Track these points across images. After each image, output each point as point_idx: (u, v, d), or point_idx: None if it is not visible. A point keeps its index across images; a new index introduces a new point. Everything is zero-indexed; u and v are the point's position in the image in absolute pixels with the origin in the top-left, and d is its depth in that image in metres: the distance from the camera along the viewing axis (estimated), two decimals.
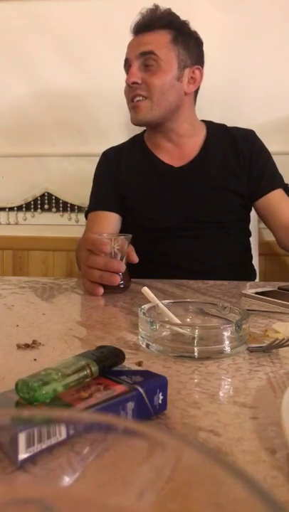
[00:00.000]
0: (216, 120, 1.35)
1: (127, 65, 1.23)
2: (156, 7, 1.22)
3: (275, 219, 1.24)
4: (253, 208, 1.32)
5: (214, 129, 1.31)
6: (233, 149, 1.26)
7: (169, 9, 1.22)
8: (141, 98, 1.19)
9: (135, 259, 0.93)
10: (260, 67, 1.54)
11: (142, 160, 1.30)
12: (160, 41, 1.19)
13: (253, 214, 1.34)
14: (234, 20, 1.53)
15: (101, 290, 0.87)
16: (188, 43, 1.23)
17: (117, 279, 0.86)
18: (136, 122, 1.25)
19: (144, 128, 1.33)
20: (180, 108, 1.24)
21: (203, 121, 1.32)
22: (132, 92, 1.21)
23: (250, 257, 1.36)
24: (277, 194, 1.25)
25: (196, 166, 1.25)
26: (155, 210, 1.24)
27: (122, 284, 0.89)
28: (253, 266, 1.35)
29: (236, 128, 1.31)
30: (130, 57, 1.21)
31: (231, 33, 1.52)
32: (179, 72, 1.21)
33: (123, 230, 1.24)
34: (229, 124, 1.33)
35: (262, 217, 1.30)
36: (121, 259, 0.90)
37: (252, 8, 1.52)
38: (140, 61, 1.19)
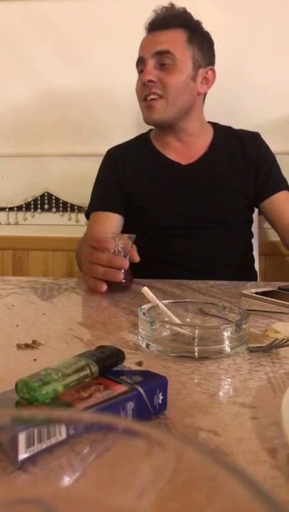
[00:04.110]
0: (217, 120, 1.35)
1: (142, 63, 1.21)
2: (172, 5, 1.22)
3: (280, 220, 1.26)
4: (256, 210, 1.33)
5: (221, 131, 1.32)
6: (241, 151, 1.27)
7: (184, 8, 1.22)
8: (156, 97, 1.18)
9: (136, 258, 0.93)
10: (260, 67, 1.54)
11: (148, 158, 1.30)
12: (176, 40, 1.19)
13: (254, 215, 1.34)
14: (234, 21, 1.53)
15: (104, 286, 0.87)
16: (203, 43, 1.23)
17: (120, 276, 0.86)
18: (151, 122, 1.23)
19: (151, 127, 1.33)
20: (192, 108, 1.24)
21: (209, 122, 1.33)
22: (146, 90, 1.19)
23: (253, 259, 1.36)
24: (283, 195, 1.27)
25: (203, 165, 1.26)
26: (161, 208, 1.24)
27: (123, 283, 0.89)
28: (254, 268, 1.36)
29: (243, 130, 1.32)
30: (145, 55, 1.20)
31: (231, 33, 1.52)
32: (193, 72, 1.21)
33: (128, 229, 1.24)
34: (230, 124, 1.34)
35: (267, 219, 1.31)
36: (126, 258, 0.90)
37: (252, 8, 1.53)
38: (155, 60, 1.18)
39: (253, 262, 1.36)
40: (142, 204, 1.26)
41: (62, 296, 0.89)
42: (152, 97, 1.18)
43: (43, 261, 1.73)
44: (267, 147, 1.30)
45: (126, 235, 0.92)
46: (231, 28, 1.52)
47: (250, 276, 1.30)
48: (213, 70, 1.25)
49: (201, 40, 1.22)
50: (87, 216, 1.32)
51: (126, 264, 0.88)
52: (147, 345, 0.57)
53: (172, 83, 1.18)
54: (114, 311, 0.78)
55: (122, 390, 0.38)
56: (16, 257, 1.75)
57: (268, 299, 0.81)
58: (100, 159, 1.35)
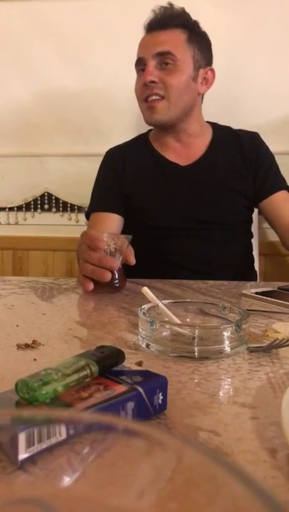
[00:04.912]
0: (216, 120, 1.35)
1: (142, 63, 1.20)
2: (171, 5, 1.22)
3: (279, 220, 1.26)
4: (256, 210, 1.33)
5: (220, 131, 1.32)
6: (240, 151, 1.27)
7: (183, 8, 1.21)
8: (157, 97, 1.18)
9: (132, 260, 0.92)
10: (260, 67, 1.54)
11: (147, 159, 1.30)
12: (176, 40, 1.18)
13: (254, 215, 1.34)
14: (234, 21, 1.53)
15: (91, 285, 0.88)
16: (202, 43, 1.23)
17: (108, 276, 0.86)
18: (153, 122, 1.23)
19: (150, 127, 1.33)
20: (193, 108, 1.24)
21: (208, 122, 1.33)
22: (148, 91, 1.18)
23: (253, 259, 1.36)
24: (282, 195, 1.27)
25: (202, 166, 1.26)
26: (160, 209, 1.24)
27: (116, 283, 0.89)
28: (254, 268, 1.36)
29: (241, 130, 1.32)
30: (145, 56, 1.19)
31: (231, 33, 1.52)
32: (194, 73, 1.20)
33: (128, 230, 1.24)
34: (229, 124, 1.34)
35: (266, 219, 1.31)
36: (118, 259, 0.90)
37: (252, 8, 1.52)
38: (156, 60, 1.18)
39: (253, 262, 1.36)
40: (141, 205, 1.26)
41: (62, 296, 0.89)
42: (154, 97, 1.18)
43: (43, 261, 1.73)
44: (266, 147, 1.30)
45: (122, 236, 0.92)
46: (231, 28, 1.52)
47: (250, 276, 1.30)
48: (212, 70, 1.25)
49: (200, 40, 1.22)
50: (87, 217, 1.32)
51: (116, 264, 0.87)
52: (147, 345, 0.57)
53: (174, 83, 1.17)
54: (114, 311, 0.78)
55: (122, 390, 0.38)
56: (16, 257, 1.75)
57: (268, 299, 0.81)
58: (100, 159, 1.35)
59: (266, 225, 1.39)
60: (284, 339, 0.55)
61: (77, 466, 0.22)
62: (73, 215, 1.70)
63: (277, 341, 0.55)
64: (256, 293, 0.85)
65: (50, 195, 1.71)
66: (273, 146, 1.33)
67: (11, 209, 1.73)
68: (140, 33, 1.23)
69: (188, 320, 0.67)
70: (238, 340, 0.55)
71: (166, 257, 1.23)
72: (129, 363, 0.50)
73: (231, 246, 1.25)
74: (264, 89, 1.54)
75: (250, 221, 1.33)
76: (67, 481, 0.22)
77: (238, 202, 1.25)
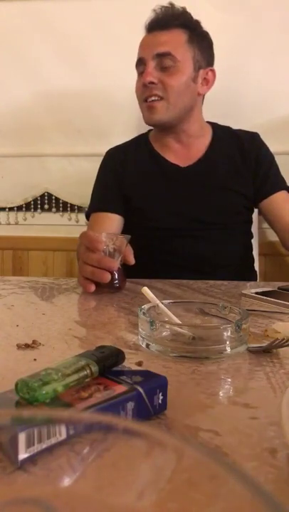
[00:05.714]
0: (216, 120, 1.35)
1: (142, 64, 1.20)
2: (172, 5, 1.21)
3: (279, 220, 1.26)
4: (256, 210, 1.33)
5: (220, 131, 1.31)
6: (240, 151, 1.27)
7: (184, 8, 1.21)
8: (157, 98, 1.18)
9: (131, 260, 0.92)
10: (259, 67, 1.54)
11: (147, 159, 1.29)
12: (177, 41, 1.18)
13: (254, 216, 1.34)
14: (234, 21, 1.53)
15: (92, 287, 0.87)
16: (203, 43, 1.22)
17: (107, 277, 0.86)
18: (151, 123, 1.23)
19: (150, 128, 1.33)
20: (193, 109, 1.24)
21: (208, 122, 1.33)
22: (147, 91, 1.18)
23: (253, 260, 1.36)
24: (281, 196, 1.27)
25: (202, 167, 1.26)
26: (160, 210, 1.24)
27: (116, 283, 0.89)
28: (254, 268, 1.36)
29: (241, 130, 1.32)
30: (145, 56, 1.19)
31: (231, 33, 1.52)
32: (194, 73, 1.20)
33: (128, 230, 1.24)
34: (229, 124, 1.34)
35: (266, 219, 1.31)
36: (118, 259, 0.90)
37: (252, 8, 1.53)
38: (156, 61, 1.17)
39: (253, 262, 1.37)
40: (141, 205, 1.26)
41: (62, 296, 0.89)
42: (153, 98, 1.18)
43: (43, 261, 1.73)
44: (266, 148, 1.30)
45: (121, 236, 0.92)
46: (231, 28, 1.52)
47: (250, 276, 1.30)
48: (213, 71, 1.25)
49: (201, 40, 1.22)
50: (88, 217, 1.32)
51: (116, 265, 0.87)
52: (147, 345, 0.57)
53: (173, 85, 1.17)
54: (114, 311, 0.78)
55: (122, 390, 0.38)
56: (16, 257, 1.75)
57: (268, 299, 0.81)
58: (100, 159, 1.35)
59: (266, 225, 1.39)
60: (284, 339, 0.55)
61: (77, 466, 0.22)
62: (73, 215, 1.70)
63: (277, 341, 0.55)
64: (256, 293, 0.85)
65: (50, 195, 1.71)
66: (273, 146, 1.33)
67: (11, 209, 1.73)
68: (140, 33, 1.23)
69: (188, 320, 0.67)
70: (238, 340, 0.55)
71: (166, 257, 1.23)
72: (129, 363, 0.50)
73: (231, 246, 1.25)
74: (264, 89, 1.54)
75: (250, 221, 1.33)
76: (67, 481, 0.22)
77: (238, 202, 1.25)
